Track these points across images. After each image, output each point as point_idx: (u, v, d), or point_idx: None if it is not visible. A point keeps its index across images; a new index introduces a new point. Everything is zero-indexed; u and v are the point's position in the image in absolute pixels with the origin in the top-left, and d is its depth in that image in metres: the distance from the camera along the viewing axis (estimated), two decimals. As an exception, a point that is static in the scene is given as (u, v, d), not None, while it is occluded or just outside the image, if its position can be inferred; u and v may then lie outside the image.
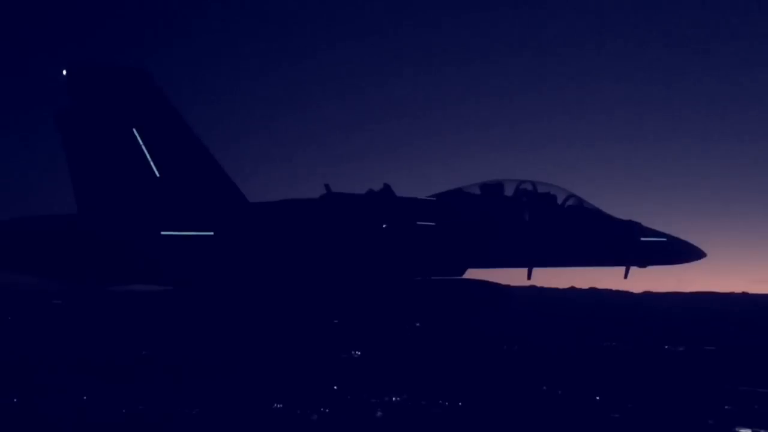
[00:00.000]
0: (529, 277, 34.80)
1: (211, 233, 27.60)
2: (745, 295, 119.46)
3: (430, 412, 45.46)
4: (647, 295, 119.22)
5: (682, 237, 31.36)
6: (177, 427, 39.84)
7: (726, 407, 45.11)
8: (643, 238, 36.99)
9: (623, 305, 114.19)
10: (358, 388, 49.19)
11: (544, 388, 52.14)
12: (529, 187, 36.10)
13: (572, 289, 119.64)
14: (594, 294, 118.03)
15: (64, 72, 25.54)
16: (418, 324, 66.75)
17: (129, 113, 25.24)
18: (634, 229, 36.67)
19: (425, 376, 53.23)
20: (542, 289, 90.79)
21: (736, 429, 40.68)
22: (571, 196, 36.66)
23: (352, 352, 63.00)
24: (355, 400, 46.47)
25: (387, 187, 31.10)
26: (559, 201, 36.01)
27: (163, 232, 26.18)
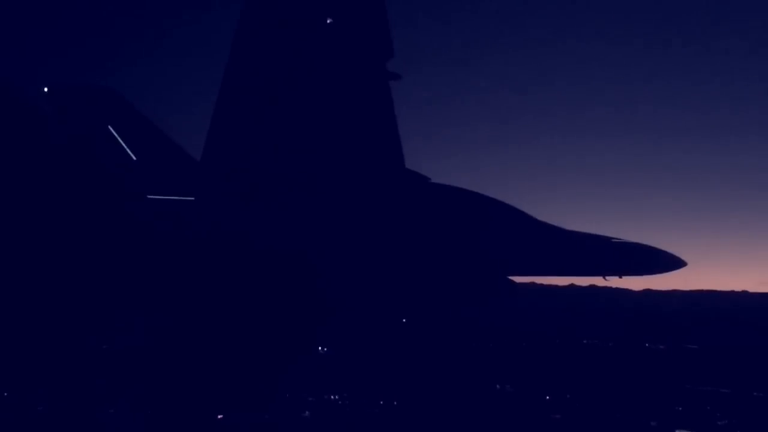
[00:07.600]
0: None
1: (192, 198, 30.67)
2: (745, 294, 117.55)
3: (363, 411, 43.92)
4: (647, 293, 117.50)
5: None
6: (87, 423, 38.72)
7: (678, 408, 43.15)
8: (605, 250, 35.58)
9: (620, 303, 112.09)
10: (302, 387, 47.67)
11: (497, 386, 50.38)
12: (472, 201, 34.97)
13: (572, 286, 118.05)
14: (593, 291, 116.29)
15: (46, 89, 30.61)
16: (404, 320, 65.02)
17: (103, 122, 29.17)
18: (592, 241, 35.28)
19: (383, 375, 51.46)
20: (540, 286, 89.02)
21: (676, 431, 38.80)
22: (514, 210, 35.27)
23: (320, 348, 61.32)
24: (291, 398, 45.02)
25: None
26: (499, 215, 34.78)
27: (150, 196, 29.77)
